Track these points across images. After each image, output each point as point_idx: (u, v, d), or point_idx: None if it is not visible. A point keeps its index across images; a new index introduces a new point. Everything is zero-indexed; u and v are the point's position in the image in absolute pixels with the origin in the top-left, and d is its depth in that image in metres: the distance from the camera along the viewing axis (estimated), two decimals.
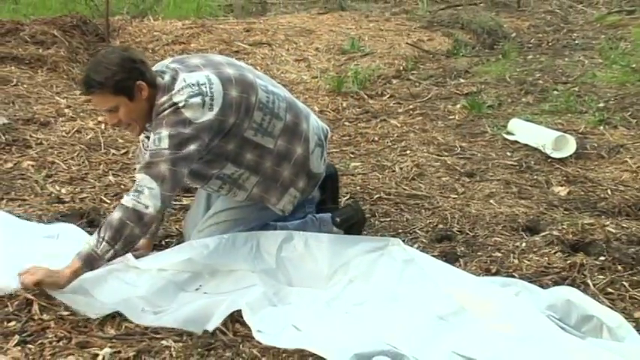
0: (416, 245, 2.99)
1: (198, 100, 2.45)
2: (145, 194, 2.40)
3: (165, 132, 2.42)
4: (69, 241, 2.78)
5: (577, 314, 2.41)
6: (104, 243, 2.38)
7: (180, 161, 2.44)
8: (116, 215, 2.40)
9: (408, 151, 4.11)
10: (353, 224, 3.00)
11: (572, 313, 2.42)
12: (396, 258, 2.69)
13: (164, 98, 2.46)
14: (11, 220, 2.95)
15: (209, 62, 2.62)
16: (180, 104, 2.44)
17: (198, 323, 2.32)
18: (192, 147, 2.45)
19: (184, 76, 2.51)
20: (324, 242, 2.80)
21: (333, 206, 3.07)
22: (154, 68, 2.59)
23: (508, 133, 4.36)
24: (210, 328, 2.29)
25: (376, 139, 4.33)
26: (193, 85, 2.48)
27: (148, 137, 2.62)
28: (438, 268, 2.67)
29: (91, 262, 2.39)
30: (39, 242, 2.79)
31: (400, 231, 3.14)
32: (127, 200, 2.41)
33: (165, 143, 2.42)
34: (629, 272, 2.76)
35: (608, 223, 3.18)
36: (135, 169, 3.61)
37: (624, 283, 2.68)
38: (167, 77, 2.51)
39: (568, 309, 2.43)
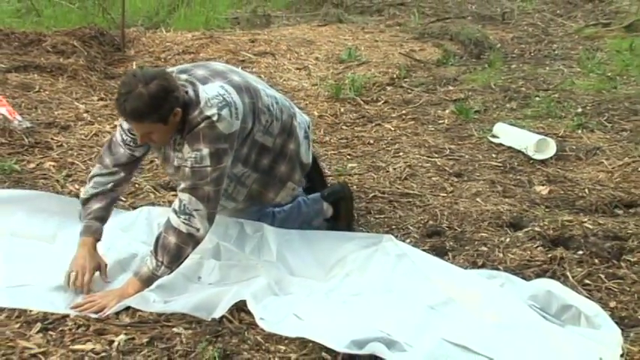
0: (408, 240, 2.99)
1: (227, 111, 2.42)
2: (195, 218, 2.40)
3: (205, 150, 2.39)
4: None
5: (557, 304, 2.41)
6: (163, 267, 2.41)
7: (221, 178, 2.44)
8: (172, 240, 2.40)
9: (401, 153, 4.10)
10: (340, 198, 3.02)
11: (553, 303, 2.42)
12: (390, 253, 2.69)
13: (195, 113, 2.40)
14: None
15: (214, 72, 2.59)
16: (214, 118, 2.39)
17: (205, 311, 2.32)
18: (227, 159, 2.45)
19: (203, 88, 2.46)
20: (323, 239, 2.81)
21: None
22: None
23: (493, 136, 4.35)
24: (217, 316, 2.29)
25: (371, 141, 4.32)
26: (217, 96, 2.43)
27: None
28: (428, 262, 2.67)
29: (150, 282, 2.43)
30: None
31: (394, 227, 3.14)
32: (179, 224, 2.40)
33: (207, 161, 2.39)
34: (605, 265, 2.76)
35: (585, 219, 3.18)
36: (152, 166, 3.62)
37: (600, 275, 2.68)
38: (190, 91, 2.44)
39: (549, 299, 2.43)
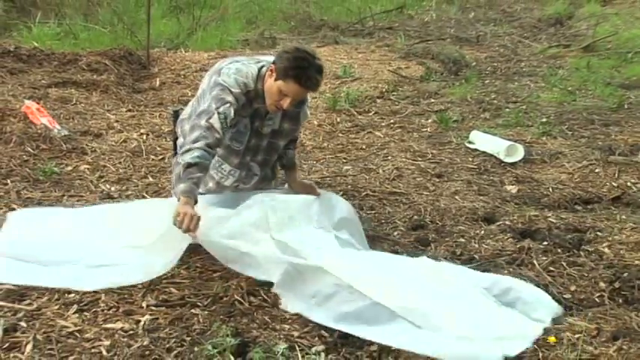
0: (395, 232, 2.99)
1: None
2: None
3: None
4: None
5: (499, 288, 2.37)
6: None
7: None
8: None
9: (389, 157, 4.10)
10: None
11: (497, 285, 2.39)
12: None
13: None
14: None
15: None
16: None
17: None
18: None
19: None
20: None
21: None
22: (249, 62, 2.74)
23: (469, 142, 4.35)
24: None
25: (364, 147, 4.32)
26: None
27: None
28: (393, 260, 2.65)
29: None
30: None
31: (383, 221, 3.14)
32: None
33: None
34: (567, 254, 2.76)
35: (549, 214, 3.18)
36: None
37: (563, 263, 2.68)
38: None
39: (495, 282, 2.41)
